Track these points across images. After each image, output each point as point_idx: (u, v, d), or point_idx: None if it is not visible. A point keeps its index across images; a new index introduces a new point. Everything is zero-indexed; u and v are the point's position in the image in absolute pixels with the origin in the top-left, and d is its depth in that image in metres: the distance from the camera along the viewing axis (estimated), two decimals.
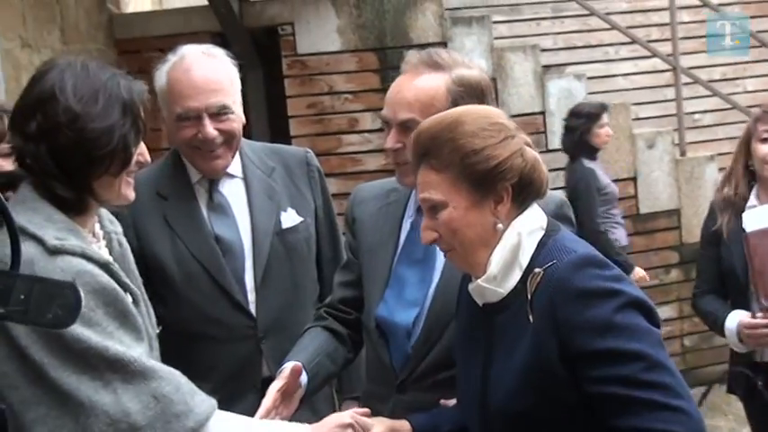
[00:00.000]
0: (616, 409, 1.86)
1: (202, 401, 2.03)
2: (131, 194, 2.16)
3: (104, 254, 2.12)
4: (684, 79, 7.42)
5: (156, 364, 2.00)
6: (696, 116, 7.24)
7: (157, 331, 2.30)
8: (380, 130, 6.14)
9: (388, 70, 6.29)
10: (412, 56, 2.42)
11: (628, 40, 7.56)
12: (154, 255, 2.77)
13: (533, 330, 1.92)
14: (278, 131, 6.18)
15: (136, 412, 1.91)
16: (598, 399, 1.88)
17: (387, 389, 2.42)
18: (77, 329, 1.86)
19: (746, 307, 3.34)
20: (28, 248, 1.89)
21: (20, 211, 1.95)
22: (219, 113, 2.72)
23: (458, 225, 1.99)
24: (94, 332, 1.91)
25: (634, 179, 6.92)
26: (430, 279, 2.40)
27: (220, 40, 6.31)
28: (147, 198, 2.77)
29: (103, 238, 2.21)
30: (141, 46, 6.22)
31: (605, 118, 6.44)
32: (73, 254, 1.95)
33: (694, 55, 8.24)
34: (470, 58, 6.34)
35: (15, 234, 1.74)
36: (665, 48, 7.51)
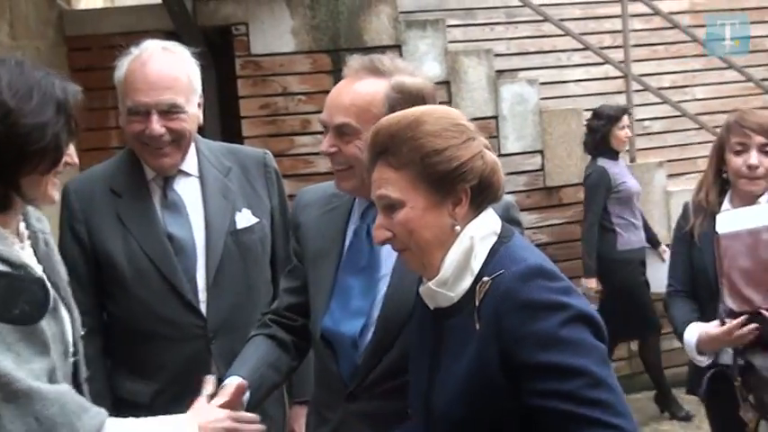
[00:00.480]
0: (557, 424, 1.86)
1: (90, 418, 1.98)
2: (56, 196, 2.14)
3: (23, 255, 2.06)
4: (635, 86, 7.51)
5: (42, 385, 1.91)
6: (646, 123, 7.32)
7: (81, 333, 2.25)
8: None
9: (342, 72, 6.28)
10: (354, 60, 2.39)
11: (580, 46, 7.61)
12: (105, 251, 2.76)
13: (478, 338, 1.91)
14: (230, 132, 6.15)
15: None
16: (539, 412, 1.87)
17: (335, 397, 2.41)
18: None
19: (715, 308, 3.33)
20: None
21: None
22: (170, 111, 2.71)
23: (415, 225, 1.97)
24: None
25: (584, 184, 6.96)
26: (375, 288, 2.37)
27: (173, 38, 6.28)
28: (100, 194, 2.79)
29: (29, 237, 2.17)
30: (92, 43, 6.16)
31: (626, 120, 6.66)
32: None
33: (645, 62, 8.35)
34: (424, 61, 6.41)
35: None
36: (617, 55, 7.58)
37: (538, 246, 6.63)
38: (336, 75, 6.28)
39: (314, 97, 6.28)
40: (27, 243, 2.16)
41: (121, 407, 2.71)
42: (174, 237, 2.78)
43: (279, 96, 6.20)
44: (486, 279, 1.93)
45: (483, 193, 2.01)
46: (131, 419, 2.12)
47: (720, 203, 3.43)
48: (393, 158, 1.97)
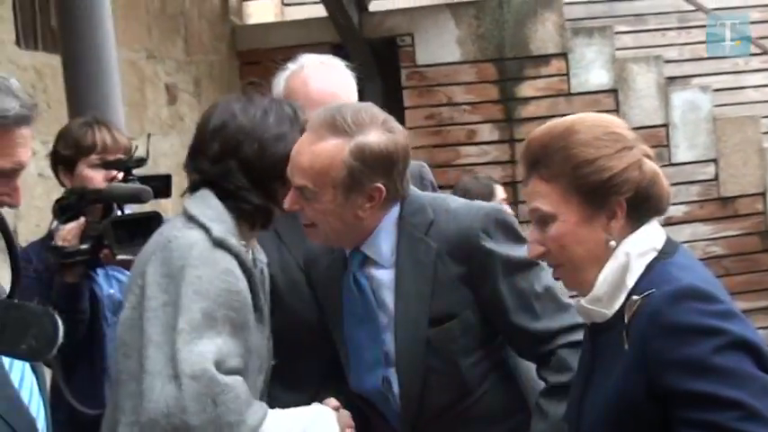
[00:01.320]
0: None
1: (255, 412, 2.12)
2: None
3: (250, 264, 2.25)
4: None
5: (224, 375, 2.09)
6: None
7: (273, 363, 2.41)
8: (499, 141, 6.17)
9: (508, 81, 6.28)
10: (316, 115, 2.26)
11: (759, 51, 7.38)
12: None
13: (625, 358, 1.84)
14: None
15: (192, 412, 2.02)
16: None
17: None
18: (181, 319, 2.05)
19: None
20: (192, 234, 2.13)
21: (195, 203, 2.21)
22: None
23: (567, 240, 1.90)
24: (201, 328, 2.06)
25: (763, 194, 6.76)
26: (379, 335, 2.31)
27: (340, 51, 6.40)
28: None
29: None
30: (262, 57, 6.34)
31: None
32: (230, 251, 2.13)
33: None
34: (591, 69, 6.35)
35: (16, 261, 1.74)
36: None
37: (712, 259, 6.48)
38: (502, 84, 6.30)
39: (479, 107, 6.30)
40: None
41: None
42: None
43: (444, 107, 6.24)
44: (635, 297, 1.84)
45: (642, 206, 1.91)
46: (281, 411, 2.25)
47: None
48: (545, 170, 1.90)
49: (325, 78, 2.74)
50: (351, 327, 2.35)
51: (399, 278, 2.30)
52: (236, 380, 2.09)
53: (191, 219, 2.18)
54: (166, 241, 2.16)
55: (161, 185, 3.04)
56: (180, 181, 5.40)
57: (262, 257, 2.40)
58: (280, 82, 2.79)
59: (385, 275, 2.32)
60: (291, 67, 2.79)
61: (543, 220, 1.91)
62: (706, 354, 1.76)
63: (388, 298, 2.31)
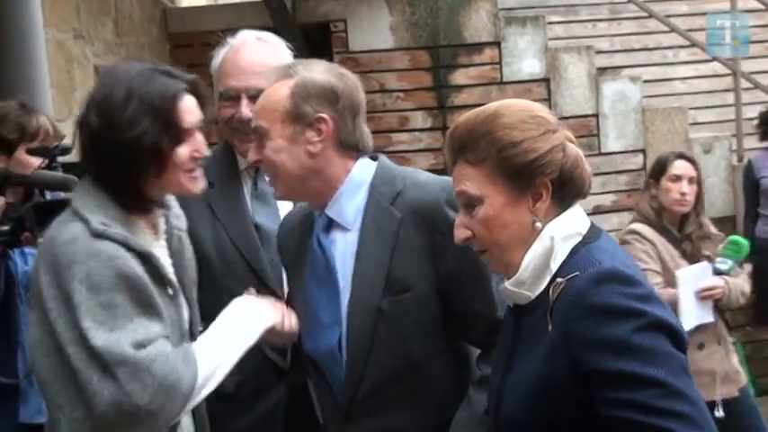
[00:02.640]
0: None
1: (186, 358, 2.17)
2: (197, 186, 2.31)
3: (149, 245, 2.23)
4: (744, 84, 7.37)
5: (141, 351, 2.11)
6: (755, 122, 7.15)
7: (200, 329, 2.39)
8: (432, 129, 6.19)
9: (441, 68, 6.31)
10: (274, 69, 2.42)
11: (687, 43, 7.50)
12: (196, 240, 2.76)
13: (549, 340, 1.87)
14: None
15: (136, 392, 2.05)
16: (610, 422, 1.81)
17: (335, 419, 2.37)
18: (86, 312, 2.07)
19: None
20: (74, 227, 2.12)
21: (78, 193, 2.22)
22: (259, 96, 2.76)
23: (494, 223, 1.92)
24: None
25: None
26: (337, 297, 2.32)
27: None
28: None
29: (165, 233, 2.36)
30: (194, 40, 6.30)
31: None
32: (113, 240, 2.12)
33: (755, 60, 8.16)
34: (523, 58, 6.41)
35: None
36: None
37: None
38: (435, 71, 6.32)
39: (412, 94, 6.32)
40: (163, 238, 2.36)
41: (208, 398, 2.81)
42: (260, 226, 2.80)
43: (377, 93, 6.24)
44: (560, 280, 1.88)
45: (565, 188, 1.95)
46: (206, 333, 2.33)
47: None
48: (471, 154, 1.92)
49: (257, 50, 2.79)
50: (311, 288, 2.36)
51: (361, 242, 2.31)
52: (155, 346, 2.11)
53: (74, 211, 2.18)
54: (51, 239, 2.17)
55: (82, 173, 3.08)
56: None
57: (180, 224, 2.42)
58: (218, 55, 2.82)
59: (349, 238, 2.33)
60: (230, 41, 2.84)
61: (470, 203, 1.94)
62: (627, 334, 1.80)
63: (348, 261, 2.32)
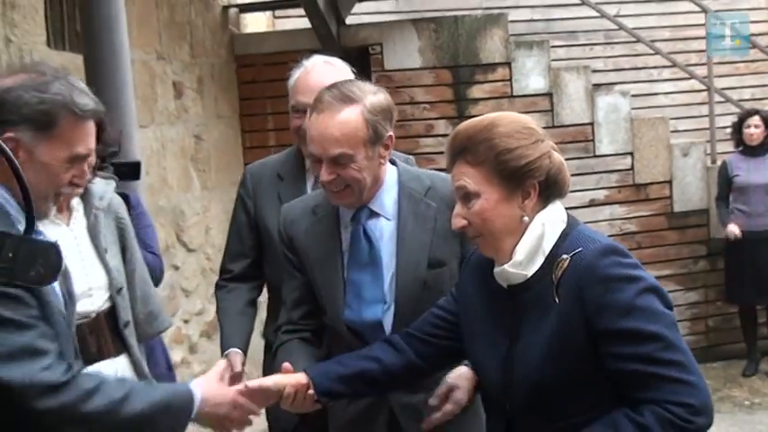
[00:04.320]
0: (637, 383, 1.80)
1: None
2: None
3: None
4: (717, 98, 7.30)
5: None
6: (727, 130, 7.07)
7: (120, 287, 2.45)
8: None
9: (460, 85, 6.29)
10: (323, 93, 2.27)
11: (669, 63, 7.44)
12: (265, 224, 2.88)
13: (559, 310, 1.86)
14: None
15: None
16: (619, 374, 1.82)
17: None
18: None
19: None
20: None
21: None
22: None
23: (488, 215, 1.91)
24: None
25: (670, 182, 6.81)
26: (382, 279, 2.31)
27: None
28: (268, 177, 2.92)
29: (85, 211, 2.38)
30: (256, 60, 6.34)
31: (749, 121, 6.55)
32: None
33: (727, 78, 8.09)
34: (530, 76, 6.36)
35: (29, 198, 1.66)
36: (702, 71, 7.38)
37: (627, 234, 6.56)
38: (456, 87, 6.30)
39: (436, 106, 6.30)
40: (79, 213, 2.41)
41: (268, 349, 2.86)
42: None
43: (407, 105, 6.23)
44: (564, 257, 1.88)
45: (550, 189, 1.95)
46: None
47: None
48: (471, 156, 1.92)
49: (324, 71, 2.76)
50: (353, 270, 2.34)
51: (402, 227, 2.33)
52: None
53: None
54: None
55: (129, 170, 3.17)
56: (184, 164, 5.39)
57: (101, 204, 2.47)
58: (294, 74, 2.84)
59: (386, 226, 2.34)
60: (305, 62, 2.84)
61: (467, 197, 1.93)
62: (631, 297, 1.81)
63: (388, 245, 2.32)
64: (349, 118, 2.21)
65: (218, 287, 3.02)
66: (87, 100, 1.94)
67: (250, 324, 2.97)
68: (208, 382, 2.08)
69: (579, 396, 1.87)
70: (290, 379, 2.16)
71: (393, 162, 2.41)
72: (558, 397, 1.87)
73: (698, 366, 1.85)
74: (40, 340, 1.75)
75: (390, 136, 2.28)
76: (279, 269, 2.78)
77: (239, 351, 2.82)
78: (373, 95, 2.26)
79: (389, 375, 2.19)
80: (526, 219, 1.93)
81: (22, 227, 1.77)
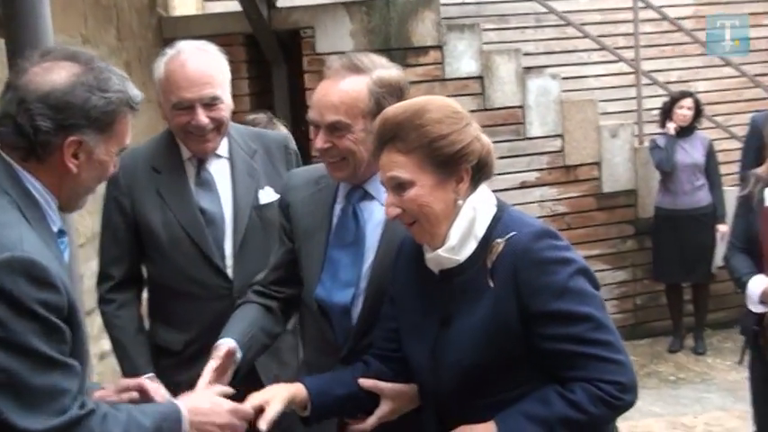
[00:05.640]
0: (567, 362, 1.85)
1: None
2: None
3: None
4: (645, 80, 7.43)
5: None
6: (654, 112, 7.22)
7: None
8: None
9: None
10: (335, 61, 2.22)
11: (598, 46, 7.55)
12: (146, 221, 2.75)
13: (493, 294, 1.88)
14: (299, 119, 6.20)
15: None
16: (550, 354, 1.86)
17: (330, 360, 2.28)
18: None
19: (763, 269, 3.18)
20: None
21: None
22: (211, 103, 2.66)
23: (424, 201, 1.90)
24: None
25: (599, 164, 6.94)
26: (361, 260, 2.25)
27: (251, 40, 6.32)
28: (142, 171, 2.77)
29: None
30: None
31: (682, 102, 6.65)
32: None
33: (654, 60, 8.24)
34: (462, 59, 6.41)
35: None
36: (630, 54, 7.50)
37: (557, 215, 6.66)
38: None
39: None
40: None
41: (158, 353, 2.79)
42: (205, 210, 2.74)
43: None
44: (499, 241, 1.90)
45: (481, 171, 1.96)
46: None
47: None
48: (401, 144, 1.89)
49: (201, 61, 2.66)
50: (334, 248, 2.29)
51: None
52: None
53: None
54: None
55: None
56: None
57: None
58: (160, 66, 2.69)
59: (377, 210, 2.25)
60: (170, 52, 2.70)
61: (401, 186, 1.92)
62: (564, 280, 1.85)
63: (375, 230, 2.26)
64: (352, 87, 2.15)
65: (103, 301, 2.82)
66: (136, 91, 1.90)
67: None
68: (194, 401, 2.00)
69: (510, 374, 1.91)
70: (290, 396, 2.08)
71: None
72: (491, 375, 1.91)
73: (624, 344, 1.90)
74: (66, 381, 1.65)
75: None
76: (165, 268, 2.74)
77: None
78: (384, 69, 2.20)
79: (376, 399, 2.15)
80: (460, 202, 1.93)
81: (56, 228, 1.80)
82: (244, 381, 2.33)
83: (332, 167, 2.25)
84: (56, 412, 1.62)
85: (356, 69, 2.17)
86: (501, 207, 1.99)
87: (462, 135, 1.92)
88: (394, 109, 1.95)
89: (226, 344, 2.26)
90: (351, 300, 2.25)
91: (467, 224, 1.93)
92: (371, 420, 2.13)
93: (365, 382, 2.14)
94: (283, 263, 2.44)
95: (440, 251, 1.95)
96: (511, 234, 1.89)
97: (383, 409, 2.14)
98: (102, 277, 2.85)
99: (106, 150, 1.84)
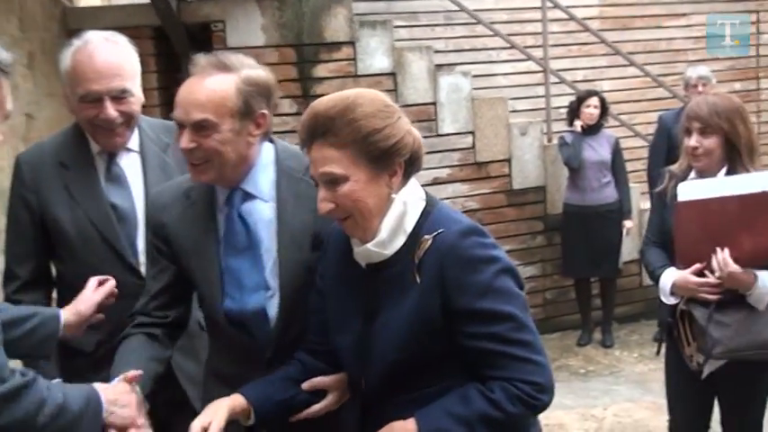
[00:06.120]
0: (487, 361, 1.86)
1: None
2: None
3: None
4: (553, 79, 7.57)
5: None
6: (561, 110, 7.37)
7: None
8: (297, 114, 6.15)
9: (305, 63, 6.27)
10: (201, 58, 2.14)
11: (507, 45, 7.65)
12: (54, 219, 2.65)
13: (420, 289, 1.88)
14: None
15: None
16: (472, 351, 1.87)
17: (252, 367, 2.21)
18: None
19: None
20: None
21: None
22: (120, 96, 2.58)
23: (358, 195, 1.89)
24: None
25: (509, 161, 7.04)
26: (261, 262, 2.20)
27: (160, 33, 6.19)
28: (49, 167, 2.68)
29: None
30: None
31: (589, 101, 6.73)
32: None
33: (561, 59, 8.41)
34: (374, 55, 6.41)
35: None
36: (538, 53, 7.63)
37: (469, 212, 6.72)
38: (300, 66, 6.27)
39: (281, 84, 6.16)
40: None
41: (68, 353, 2.68)
42: (117, 206, 2.67)
43: None
44: (426, 237, 1.89)
45: (413, 165, 1.96)
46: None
47: (688, 173, 3.34)
48: (334, 138, 1.87)
49: (110, 52, 2.58)
50: (229, 257, 2.21)
51: (282, 209, 2.21)
52: None
53: None
54: None
55: None
56: (15, 144, 5.10)
57: None
58: (66, 57, 2.60)
59: (264, 209, 2.21)
60: (77, 42, 2.61)
61: (334, 182, 1.89)
62: (488, 278, 1.85)
63: (267, 228, 2.20)
64: (220, 85, 2.09)
65: (10, 302, 2.66)
66: (5, 53, 1.81)
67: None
68: (107, 387, 2.02)
69: (434, 369, 1.92)
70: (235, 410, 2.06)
71: (271, 140, 2.28)
72: (413, 371, 1.91)
73: (543, 346, 1.92)
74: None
75: (263, 114, 2.15)
76: (75, 266, 2.64)
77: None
78: (252, 69, 2.15)
79: (318, 395, 2.13)
80: (394, 196, 1.92)
81: None
82: (163, 384, 2.28)
83: (194, 170, 2.17)
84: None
85: (224, 67, 2.11)
86: (430, 202, 1.99)
87: (395, 129, 1.91)
88: (323, 102, 1.91)
89: (123, 376, 2.15)
90: (264, 301, 2.20)
91: (397, 218, 1.93)
92: (316, 407, 2.13)
93: (306, 385, 2.13)
94: (165, 288, 2.35)
95: (369, 245, 1.94)
96: (439, 231, 1.90)
97: (328, 399, 2.14)
98: (8, 277, 2.75)
99: None
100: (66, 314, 2.39)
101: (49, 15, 5.77)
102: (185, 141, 2.11)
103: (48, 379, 1.92)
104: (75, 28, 6.15)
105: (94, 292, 2.45)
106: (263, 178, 2.23)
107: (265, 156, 2.24)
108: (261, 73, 2.16)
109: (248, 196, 2.22)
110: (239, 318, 2.21)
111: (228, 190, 2.23)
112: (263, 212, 2.21)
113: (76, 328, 2.41)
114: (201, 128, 2.09)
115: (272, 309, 2.21)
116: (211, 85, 2.09)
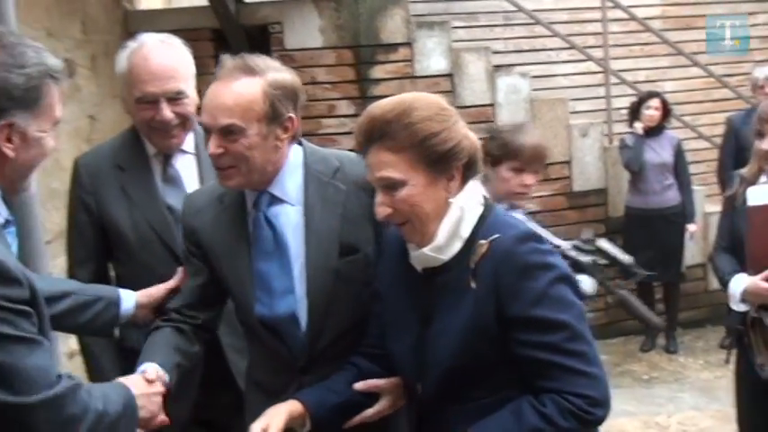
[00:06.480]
0: (540, 372, 1.83)
1: None
2: None
3: None
4: (613, 80, 7.48)
5: None
6: (623, 111, 7.27)
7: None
8: (355, 115, 6.16)
9: (362, 65, 6.28)
10: (227, 61, 2.13)
11: (567, 45, 7.58)
12: (112, 221, 2.67)
13: (474, 295, 1.86)
14: None
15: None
16: (525, 361, 1.84)
17: (286, 374, 2.23)
18: None
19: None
20: None
21: None
22: (175, 98, 2.60)
23: (416, 200, 1.87)
24: None
25: (569, 162, 6.96)
26: (289, 265, 2.18)
27: (219, 35, 6.26)
28: (107, 169, 2.70)
29: None
30: None
31: (649, 102, 6.63)
32: None
33: (622, 60, 8.30)
34: (431, 56, 6.39)
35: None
36: (598, 53, 7.54)
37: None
38: (357, 67, 6.28)
39: (338, 86, 6.27)
40: None
41: (129, 355, 2.64)
42: (173, 208, 2.65)
43: (308, 85, 6.17)
44: (483, 242, 1.87)
45: (471, 169, 1.94)
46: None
47: (759, 177, 3.23)
48: (391, 142, 1.85)
49: (165, 54, 2.59)
50: (259, 261, 2.20)
51: (309, 214, 2.19)
52: None
53: None
54: None
55: None
56: (78, 145, 5.21)
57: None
58: (122, 59, 2.62)
59: (292, 212, 2.20)
60: (132, 45, 2.63)
61: (392, 186, 1.88)
62: (544, 286, 1.82)
63: (295, 233, 2.19)
64: (246, 88, 2.08)
65: None
66: (55, 59, 1.83)
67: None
68: (134, 382, 2.03)
69: (489, 379, 1.89)
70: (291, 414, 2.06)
71: (299, 143, 2.27)
72: (468, 380, 1.89)
73: (600, 358, 1.88)
74: (47, 356, 1.68)
75: (291, 118, 2.14)
76: (134, 268, 2.66)
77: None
78: (278, 72, 2.13)
79: (373, 398, 2.12)
80: (452, 200, 1.90)
81: (2, 218, 1.78)
82: (221, 384, 2.28)
83: (221, 175, 2.17)
84: (47, 386, 1.64)
85: (249, 71, 2.09)
86: (487, 207, 1.96)
87: (453, 133, 1.89)
88: (380, 106, 1.90)
89: (153, 368, 2.16)
90: (295, 305, 2.18)
91: (454, 224, 1.91)
92: (370, 412, 2.11)
93: (360, 385, 2.10)
94: (197, 287, 2.35)
95: (425, 250, 1.92)
96: (495, 236, 1.87)
97: (382, 404, 2.12)
98: (70, 279, 2.75)
99: (39, 127, 1.80)
100: (140, 296, 2.43)
101: (111, 18, 5.87)
102: (213, 147, 2.11)
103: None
104: (137, 30, 6.24)
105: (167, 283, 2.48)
106: (291, 182, 2.21)
107: (293, 159, 2.22)
108: (287, 76, 2.15)
109: (275, 200, 2.21)
110: (272, 323, 2.21)
111: (256, 193, 2.22)
112: (289, 216, 2.21)
113: (148, 310, 2.44)
114: (229, 133, 2.09)
115: (302, 314, 2.19)
116: (238, 88, 2.08)
